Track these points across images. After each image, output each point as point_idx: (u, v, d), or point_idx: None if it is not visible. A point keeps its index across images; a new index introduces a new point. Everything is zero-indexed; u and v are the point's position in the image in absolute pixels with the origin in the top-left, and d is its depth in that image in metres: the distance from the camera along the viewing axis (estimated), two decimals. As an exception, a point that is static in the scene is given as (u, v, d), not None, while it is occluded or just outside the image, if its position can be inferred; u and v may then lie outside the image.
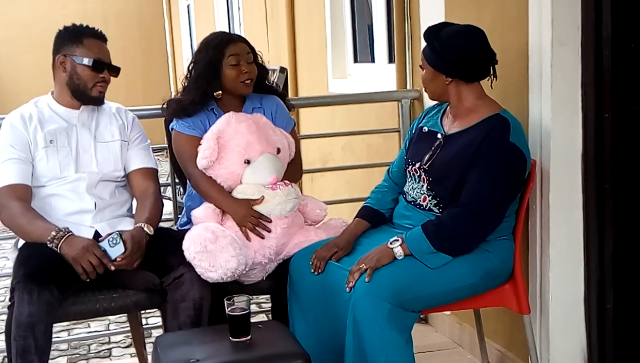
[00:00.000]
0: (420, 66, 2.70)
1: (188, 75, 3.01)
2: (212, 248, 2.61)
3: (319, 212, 2.99)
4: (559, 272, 2.80)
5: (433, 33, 2.62)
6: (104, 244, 2.60)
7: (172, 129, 3.01)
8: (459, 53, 2.56)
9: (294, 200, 2.84)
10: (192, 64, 3.00)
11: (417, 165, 2.71)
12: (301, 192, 2.99)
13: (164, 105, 3.06)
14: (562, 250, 2.78)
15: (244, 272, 2.69)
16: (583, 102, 2.71)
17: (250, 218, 2.78)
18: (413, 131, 2.87)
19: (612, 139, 2.69)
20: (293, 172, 3.04)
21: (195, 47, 3.07)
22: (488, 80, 2.66)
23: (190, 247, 2.64)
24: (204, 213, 2.81)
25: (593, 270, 2.79)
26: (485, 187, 2.52)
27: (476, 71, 2.62)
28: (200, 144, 2.87)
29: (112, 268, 2.58)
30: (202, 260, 2.62)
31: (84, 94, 2.84)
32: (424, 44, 2.66)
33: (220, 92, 2.98)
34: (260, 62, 3.08)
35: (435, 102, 2.85)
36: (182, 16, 12.31)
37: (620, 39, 2.62)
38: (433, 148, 2.70)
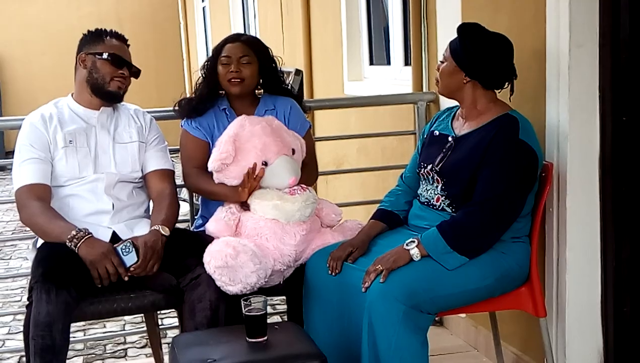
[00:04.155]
0: (441, 61, 2.70)
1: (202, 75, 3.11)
2: (233, 264, 2.60)
3: (334, 217, 2.99)
4: (576, 274, 2.79)
5: (468, 30, 2.63)
6: (118, 251, 2.61)
7: (181, 125, 3.08)
8: (487, 57, 2.59)
9: (312, 204, 2.84)
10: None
11: (430, 167, 2.72)
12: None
13: (176, 106, 3.12)
14: (578, 253, 2.78)
15: (263, 283, 2.70)
16: (600, 105, 2.71)
17: (243, 188, 2.81)
18: (425, 136, 2.89)
19: (629, 141, 2.68)
20: (308, 175, 3.05)
21: (210, 48, 3.15)
22: (500, 92, 2.69)
23: (211, 261, 2.64)
24: (217, 227, 2.81)
25: (610, 273, 2.78)
26: (497, 184, 2.53)
27: (495, 80, 2.65)
28: (203, 147, 2.96)
29: (126, 278, 2.60)
30: (223, 275, 2.61)
31: (102, 88, 2.86)
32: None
33: (223, 91, 3.07)
34: (274, 65, 3.11)
35: (446, 106, 2.87)
36: (198, 18, 12.35)
37: (638, 42, 2.62)
38: (444, 150, 2.71)
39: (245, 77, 3.00)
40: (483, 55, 2.59)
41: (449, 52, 2.66)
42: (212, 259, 2.64)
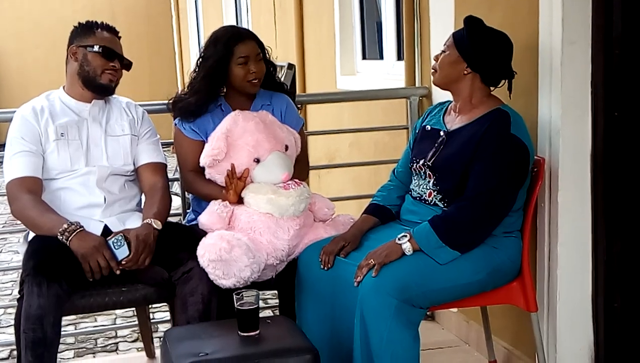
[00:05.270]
0: (442, 50, 2.70)
1: (196, 69, 3.01)
2: (227, 258, 2.60)
3: (327, 211, 2.98)
4: (567, 270, 2.80)
5: (475, 23, 2.64)
6: (110, 244, 2.60)
7: (174, 124, 3.04)
8: (491, 52, 2.61)
9: (307, 199, 2.84)
10: (200, 60, 3.00)
11: (422, 162, 2.73)
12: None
13: (170, 103, 3.06)
14: (570, 248, 2.79)
15: (256, 277, 2.70)
16: (593, 101, 2.71)
17: (230, 190, 2.80)
18: (417, 131, 2.89)
19: (621, 137, 2.69)
20: (300, 170, 3.05)
21: (202, 42, 3.06)
22: (493, 90, 2.70)
23: (205, 254, 2.63)
24: (210, 219, 2.80)
25: (601, 268, 2.79)
26: (489, 178, 2.54)
27: (495, 76, 2.66)
28: (198, 147, 2.91)
29: (117, 272, 2.60)
30: (216, 269, 2.61)
31: (94, 81, 2.84)
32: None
33: (224, 88, 3.00)
34: (269, 58, 3.08)
35: (438, 101, 2.87)
36: (190, 12, 12.33)
37: (631, 38, 2.62)
38: (436, 145, 2.72)
39: (261, 75, 2.98)
40: (488, 49, 2.60)
41: (452, 41, 2.66)
42: (207, 252, 2.63)
